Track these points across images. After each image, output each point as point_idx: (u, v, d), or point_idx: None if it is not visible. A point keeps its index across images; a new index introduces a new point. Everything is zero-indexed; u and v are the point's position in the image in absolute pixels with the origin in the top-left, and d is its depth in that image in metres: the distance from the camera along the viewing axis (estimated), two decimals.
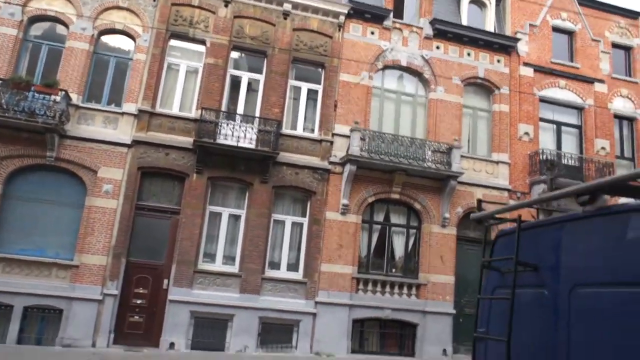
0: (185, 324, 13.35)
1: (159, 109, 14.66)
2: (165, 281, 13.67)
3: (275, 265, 14.68)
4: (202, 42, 15.37)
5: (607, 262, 2.83)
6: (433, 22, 16.86)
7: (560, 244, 3.26)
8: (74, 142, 13.71)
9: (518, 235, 3.47)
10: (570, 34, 18.75)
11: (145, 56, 14.81)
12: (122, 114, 14.37)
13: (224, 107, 15.08)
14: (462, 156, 15.94)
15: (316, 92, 15.97)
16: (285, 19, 15.98)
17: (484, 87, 17.41)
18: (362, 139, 15.03)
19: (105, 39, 15.03)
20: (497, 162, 16.73)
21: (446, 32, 16.91)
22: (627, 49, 19.33)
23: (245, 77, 15.63)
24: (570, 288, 3.04)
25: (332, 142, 15.44)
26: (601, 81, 18.37)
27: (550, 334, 3.13)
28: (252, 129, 14.61)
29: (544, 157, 16.51)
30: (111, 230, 13.52)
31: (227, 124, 14.45)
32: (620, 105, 18.51)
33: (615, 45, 19.16)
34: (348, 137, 15.16)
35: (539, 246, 3.47)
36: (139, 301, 13.49)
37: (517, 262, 3.41)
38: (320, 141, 15.43)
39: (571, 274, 3.08)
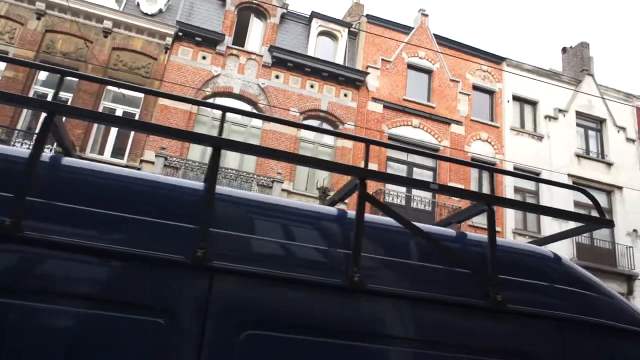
0: None
1: None
2: None
3: None
4: (5, 54, 14.04)
5: None
6: (271, 50, 15.94)
7: None
8: None
9: None
10: (428, 72, 18.05)
11: None
12: None
13: (20, 126, 13.61)
14: (289, 192, 14.64)
15: (133, 115, 14.64)
16: (105, 37, 14.84)
17: (328, 120, 16.37)
18: (171, 167, 13.63)
19: None
20: None
21: (286, 61, 15.98)
22: (490, 92, 18.70)
23: (50, 95, 14.23)
24: None
25: (139, 169, 13.96)
26: (458, 122, 17.55)
27: None
28: (48, 150, 13.09)
29: (392, 199, 15.34)
30: None
31: (16, 144, 12.94)
32: (479, 148, 17.62)
33: (477, 88, 18.51)
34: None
35: None
36: None
37: None
38: (127, 167, 13.94)
39: None
